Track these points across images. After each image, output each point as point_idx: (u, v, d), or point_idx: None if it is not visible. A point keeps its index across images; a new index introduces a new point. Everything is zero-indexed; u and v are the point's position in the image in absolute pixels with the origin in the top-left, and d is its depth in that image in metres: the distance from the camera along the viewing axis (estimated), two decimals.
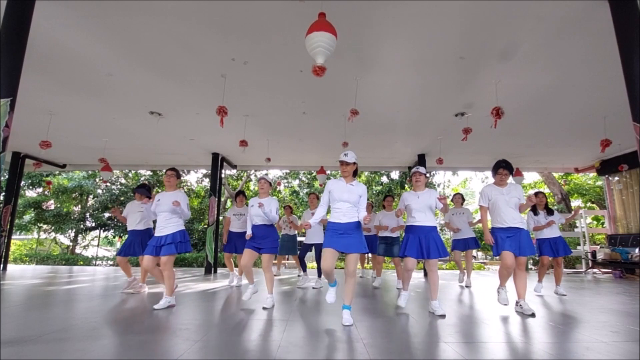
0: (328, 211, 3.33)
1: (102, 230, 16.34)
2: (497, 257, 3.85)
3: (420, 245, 3.51)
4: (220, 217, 9.26)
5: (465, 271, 6.03)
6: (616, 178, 8.84)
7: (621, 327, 2.98)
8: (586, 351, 2.29)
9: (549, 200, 14.22)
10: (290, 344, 2.39)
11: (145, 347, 2.32)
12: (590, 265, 9.08)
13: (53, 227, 15.61)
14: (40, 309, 3.61)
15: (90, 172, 15.21)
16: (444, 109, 5.84)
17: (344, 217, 3.10)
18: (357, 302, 4.11)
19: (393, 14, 3.44)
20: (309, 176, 16.13)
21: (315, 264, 6.42)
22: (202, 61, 4.39)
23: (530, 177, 16.39)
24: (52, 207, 15.02)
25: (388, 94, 5.29)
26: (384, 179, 15.31)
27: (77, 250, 17.61)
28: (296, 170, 15.64)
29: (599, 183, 13.44)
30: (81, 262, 14.02)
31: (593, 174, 11.93)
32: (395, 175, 14.81)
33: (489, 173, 13.29)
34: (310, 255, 5.90)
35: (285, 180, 16.62)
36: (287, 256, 8.87)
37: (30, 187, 15.42)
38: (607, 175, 9.22)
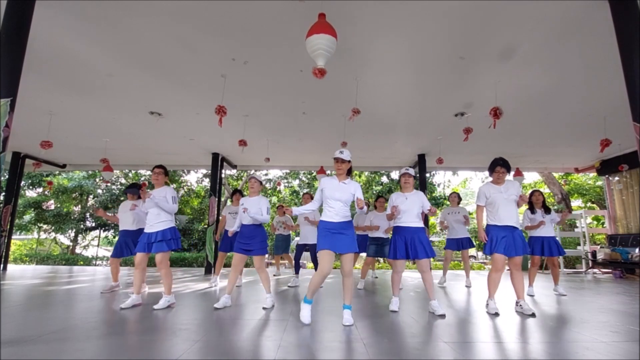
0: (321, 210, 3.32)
1: (102, 230, 16.35)
2: (489, 256, 3.83)
3: (407, 246, 3.53)
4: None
5: (447, 272, 6.10)
6: (616, 178, 8.84)
7: (621, 327, 2.98)
8: (586, 351, 2.29)
9: (549, 200, 14.31)
10: (290, 344, 2.39)
11: (145, 347, 2.32)
12: (590, 265, 9.08)
13: (53, 227, 15.62)
14: (40, 309, 3.61)
15: (90, 172, 15.22)
16: (444, 109, 5.84)
17: (337, 217, 3.10)
18: (356, 303, 4.11)
19: (393, 13, 3.44)
20: (309, 176, 16.14)
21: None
22: (202, 61, 4.39)
23: (530, 177, 16.41)
24: (52, 207, 15.03)
25: (388, 94, 5.29)
26: (384, 179, 15.32)
27: (77, 250, 17.62)
28: (296, 170, 15.65)
29: (599, 183, 13.44)
30: (81, 262, 14.03)
31: (593, 174, 11.93)
32: (395, 175, 14.82)
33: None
34: (307, 255, 5.89)
35: (285, 180, 16.63)
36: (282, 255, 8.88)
37: (30, 187, 15.43)
38: (607, 175, 9.22)
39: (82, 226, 16.11)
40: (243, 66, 4.48)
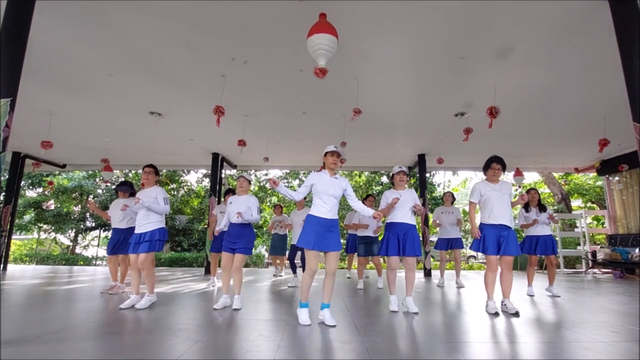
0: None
1: (102, 230, 16.34)
2: (480, 254, 3.85)
3: (398, 242, 3.57)
4: None
5: (444, 273, 6.10)
6: (616, 178, 8.84)
7: (621, 327, 2.98)
8: (586, 351, 2.29)
9: (549, 200, 14.31)
10: (290, 344, 2.39)
11: (145, 347, 2.32)
12: (590, 265, 9.08)
13: (53, 227, 15.61)
14: (40, 309, 3.61)
15: (90, 172, 15.21)
16: (444, 109, 5.84)
17: (329, 213, 3.07)
18: (356, 303, 4.12)
19: (393, 13, 3.44)
20: (309, 176, 16.12)
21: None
22: (202, 61, 4.39)
23: (530, 177, 16.41)
24: (52, 207, 15.03)
25: (388, 94, 5.29)
26: (384, 179, 15.31)
27: (77, 250, 17.61)
28: (296, 170, 15.64)
29: (599, 183, 13.44)
30: (81, 262, 14.03)
31: (593, 174, 11.92)
32: None
33: None
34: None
35: (285, 180, 16.62)
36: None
37: (30, 187, 15.42)
38: (607, 175, 9.22)
39: (82, 226, 16.10)
40: (243, 66, 4.48)
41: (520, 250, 3.87)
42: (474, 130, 5.55)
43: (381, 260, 6.13)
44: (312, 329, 2.85)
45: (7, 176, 8.50)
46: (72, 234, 17.11)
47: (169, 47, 4.08)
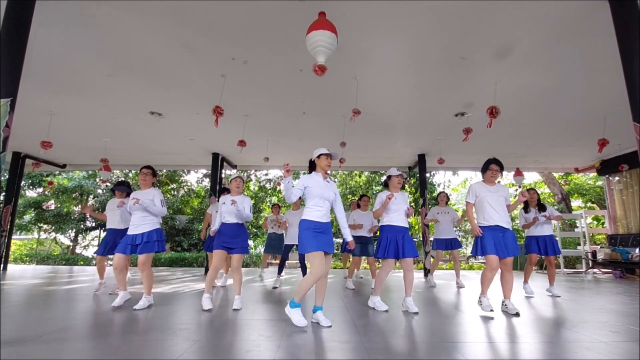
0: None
1: (102, 231, 16.33)
2: (481, 257, 3.85)
3: (397, 244, 3.61)
4: None
5: (435, 273, 6.14)
6: (616, 178, 8.84)
7: (621, 327, 2.98)
8: (586, 351, 2.29)
9: (549, 200, 14.30)
10: (289, 344, 2.39)
11: (145, 347, 2.32)
12: (590, 265, 9.08)
13: (53, 227, 15.61)
14: (40, 309, 3.61)
15: (90, 172, 15.21)
16: (444, 109, 5.84)
17: (324, 217, 3.09)
18: (356, 303, 4.12)
19: (393, 13, 3.44)
20: None
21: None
22: (202, 61, 4.39)
23: (530, 177, 16.41)
24: (52, 207, 15.02)
25: (388, 94, 5.29)
26: (384, 179, 15.29)
27: (78, 250, 17.61)
28: (296, 170, 15.62)
29: (599, 183, 13.44)
30: (81, 262, 14.02)
31: (593, 174, 11.92)
32: None
33: None
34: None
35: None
36: (273, 255, 8.84)
37: (30, 187, 15.42)
38: (607, 175, 9.22)
39: (82, 226, 16.09)
40: (243, 66, 4.48)
41: (523, 251, 3.89)
42: (474, 130, 5.55)
43: (376, 263, 6.12)
44: (311, 329, 2.85)
45: (7, 176, 8.50)
46: (72, 234, 17.11)
47: (169, 47, 4.08)
